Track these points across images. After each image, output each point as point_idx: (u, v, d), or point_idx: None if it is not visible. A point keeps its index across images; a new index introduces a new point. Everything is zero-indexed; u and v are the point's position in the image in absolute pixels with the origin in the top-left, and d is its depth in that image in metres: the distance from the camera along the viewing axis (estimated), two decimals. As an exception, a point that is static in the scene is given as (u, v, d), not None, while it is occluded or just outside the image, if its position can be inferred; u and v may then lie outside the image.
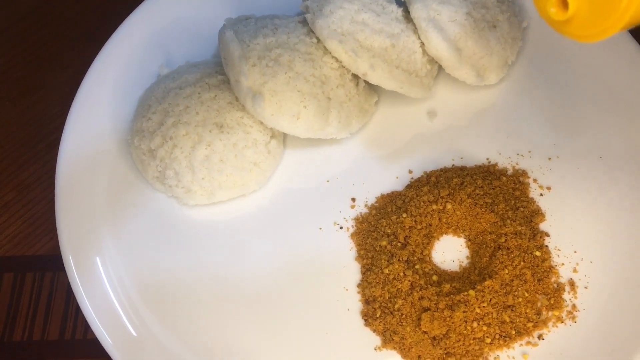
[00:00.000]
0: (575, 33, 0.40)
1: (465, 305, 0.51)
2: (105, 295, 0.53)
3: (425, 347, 0.51)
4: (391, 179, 0.59)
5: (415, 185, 0.57)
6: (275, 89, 0.54)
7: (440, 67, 0.61)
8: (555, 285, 0.53)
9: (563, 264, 0.54)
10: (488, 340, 0.51)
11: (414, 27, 0.57)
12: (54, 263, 0.60)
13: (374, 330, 0.52)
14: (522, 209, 0.55)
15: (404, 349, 0.51)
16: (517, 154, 0.59)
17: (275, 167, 0.59)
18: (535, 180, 0.58)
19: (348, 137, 0.59)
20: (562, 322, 0.52)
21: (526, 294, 0.52)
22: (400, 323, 0.51)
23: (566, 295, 0.53)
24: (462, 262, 0.55)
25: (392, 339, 0.51)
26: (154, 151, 0.56)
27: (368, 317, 0.53)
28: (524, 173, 0.58)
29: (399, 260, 0.53)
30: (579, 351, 0.51)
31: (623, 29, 0.38)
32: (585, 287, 0.53)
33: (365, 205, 0.57)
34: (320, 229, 0.56)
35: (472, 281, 0.53)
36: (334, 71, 0.56)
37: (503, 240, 0.54)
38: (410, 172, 0.59)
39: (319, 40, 0.56)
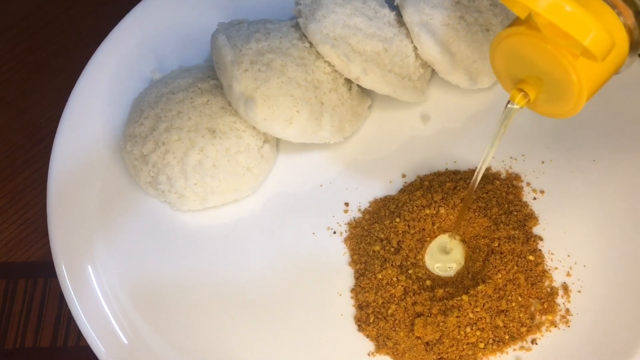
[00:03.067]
0: (545, 112, 0.45)
1: (459, 310, 0.51)
2: (98, 302, 0.53)
3: (418, 353, 0.50)
4: (384, 183, 0.58)
5: (409, 190, 0.57)
6: (268, 94, 0.54)
7: (433, 71, 0.60)
8: (548, 289, 0.53)
9: (556, 268, 0.54)
10: (481, 345, 0.50)
11: (407, 31, 0.57)
12: (46, 269, 0.59)
13: (368, 336, 0.52)
14: (515, 213, 0.55)
15: (398, 354, 0.51)
16: (511, 158, 0.59)
17: (268, 172, 0.59)
18: (528, 184, 0.58)
19: (341, 142, 0.59)
20: (555, 326, 0.52)
21: (519, 299, 0.52)
22: (393, 328, 0.51)
23: (560, 300, 0.52)
24: (456, 266, 0.55)
25: (386, 344, 0.51)
26: (147, 156, 0.56)
27: (361, 323, 0.52)
28: (517, 177, 0.58)
29: (392, 265, 0.53)
30: (573, 355, 0.50)
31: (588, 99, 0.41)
32: (579, 291, 0.53)
33: (359, 210, 0.57)
34: (314, 233, 0.56)
35: (465, 286, 0.53)
36: (326, 76, 0.56)
37: (496, 245, 0.54)
38: (404, 176, 0.59)
39: (311, 44, 0.56)
